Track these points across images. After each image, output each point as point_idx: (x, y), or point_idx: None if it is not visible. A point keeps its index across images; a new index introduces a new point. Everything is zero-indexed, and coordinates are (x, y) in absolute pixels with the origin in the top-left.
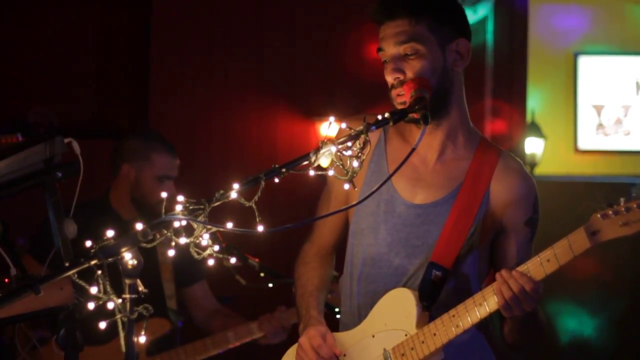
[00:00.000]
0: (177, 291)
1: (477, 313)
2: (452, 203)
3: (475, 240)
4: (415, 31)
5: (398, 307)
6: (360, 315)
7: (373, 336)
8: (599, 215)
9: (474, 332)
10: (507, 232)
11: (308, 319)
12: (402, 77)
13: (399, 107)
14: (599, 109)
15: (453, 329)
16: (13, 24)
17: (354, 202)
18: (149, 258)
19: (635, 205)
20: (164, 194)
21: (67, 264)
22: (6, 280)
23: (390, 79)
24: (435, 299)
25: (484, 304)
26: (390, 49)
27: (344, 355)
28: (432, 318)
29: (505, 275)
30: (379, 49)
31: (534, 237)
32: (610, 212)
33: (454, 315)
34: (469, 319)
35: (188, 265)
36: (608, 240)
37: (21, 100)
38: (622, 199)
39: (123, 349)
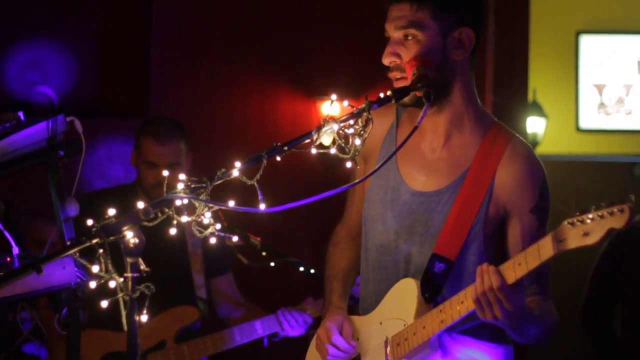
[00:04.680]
0: (206, 281)
1: (459, 310)
2: (456, 192)
3: (479, 230)
4: (416, 17)
5: (402, 297)
6: (376, 301)
7: (381, 323)
8: (566, 223)
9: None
10: (511, 219)
11: (328, 304)
12: (398, 61)
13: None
14: (600, 88)
15: (438, 323)
16: (14, 3)
17: (368, 187)
18: (180, 248)
19: (597, 215)
20: (165, 172)
21: (68, 243)
22: (8, 259)
23: (385, 61)
24: (438, 291)
25: (465, 302)
26: (391, 32)
27: (357, 339)
28: None
29: (484, 269)
30: (385, 28)
31: (544, 226)
32: (576, 221)
33: (440, 310)
34: (451, 315)
35: (216, 256)
36: (573, 249)
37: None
38: (592, 207)
39: (125, 327)
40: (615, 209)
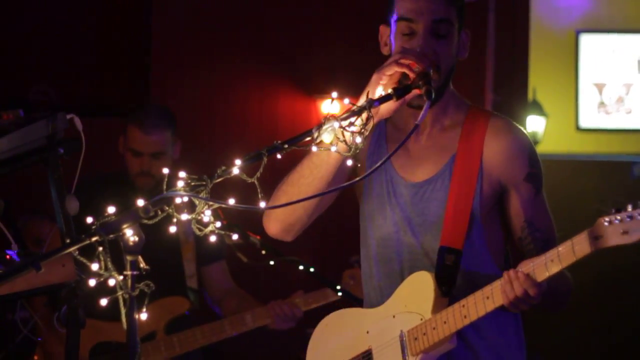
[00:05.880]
0: (197, 270)
1: (485, 306)
2: (447, 177)
3: (477, 212)
4: (451, 13)
5: (418, 290)
6: (382, 295)
7: (394, 316)
8: (603, 221)
9: (510, 335)
10: (508, 191)
11: None
12: (436, 63)
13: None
14: (600, 87)
15: (461, 319)
16: (14, 2)
17: (364, 184)
18: (171, 237)
19: (637, 214)
20: (165, 170)
21: (68, 241)
22: (7, 256)
23: (422, 63)
24: (452, 283)
25: (491, 298)
26: (426, 23)
27: (367, 332)
28: (452, 302)
29: (512, 276)
30: (407, 19)
31: (540, 192)
32: (614, 219)
33: (463, 306)
34: (476, 310)
35: (209, 244)
36: (612, 247)
37: (22, 77)
38: (629, 205)
39: (124, 325)
40: None
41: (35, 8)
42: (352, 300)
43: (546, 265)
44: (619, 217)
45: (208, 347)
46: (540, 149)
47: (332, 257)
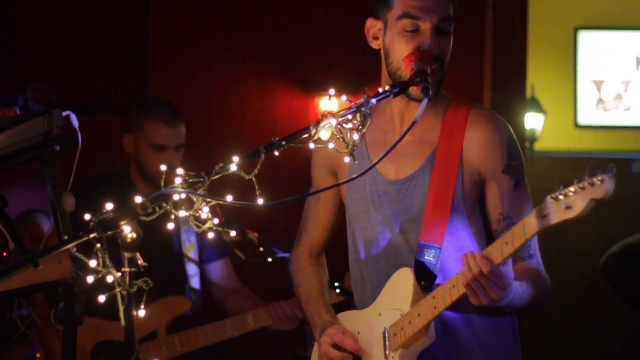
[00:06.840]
0: (200, 270)
1: (451, 295)
2: (429, 172)
3: (461, 206)
4: (452, 12)
5: (400, 287)
6: (374, 296)
7: (380, 315)
8: (549, 198)
9: (506, 337)
10: (487, 184)
11: (323, 324)
12: (441, 58)
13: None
14: (599, 84)
15: (432, 310)
16: (12, 0)
17: (346, 189)
18: (173, 236)
19: (579, 188)
20: (163, 167)
21: (65, 238)
22: (4, 254)
23: (427, 56)
24: (433, 278)
25: (456, 286)
26: (434, 21)
27: (358, 332)
28: None
29: (469, 256)
30: (413, 16)
31: (521, 184)
32: (560, 195)
33: (434, 297)
34: (444, 300)
35: (212, 242)
36: (557, 224)
37: (21, 75)
38: (575, 180)
39: (123, 323)
40: (595, 180)
41: (33, 6)
42: (350, 297)
43: (501, 248)
44: (563, 193)
45: (210, 347)
46: (539, 146)
47: (334, 259)
